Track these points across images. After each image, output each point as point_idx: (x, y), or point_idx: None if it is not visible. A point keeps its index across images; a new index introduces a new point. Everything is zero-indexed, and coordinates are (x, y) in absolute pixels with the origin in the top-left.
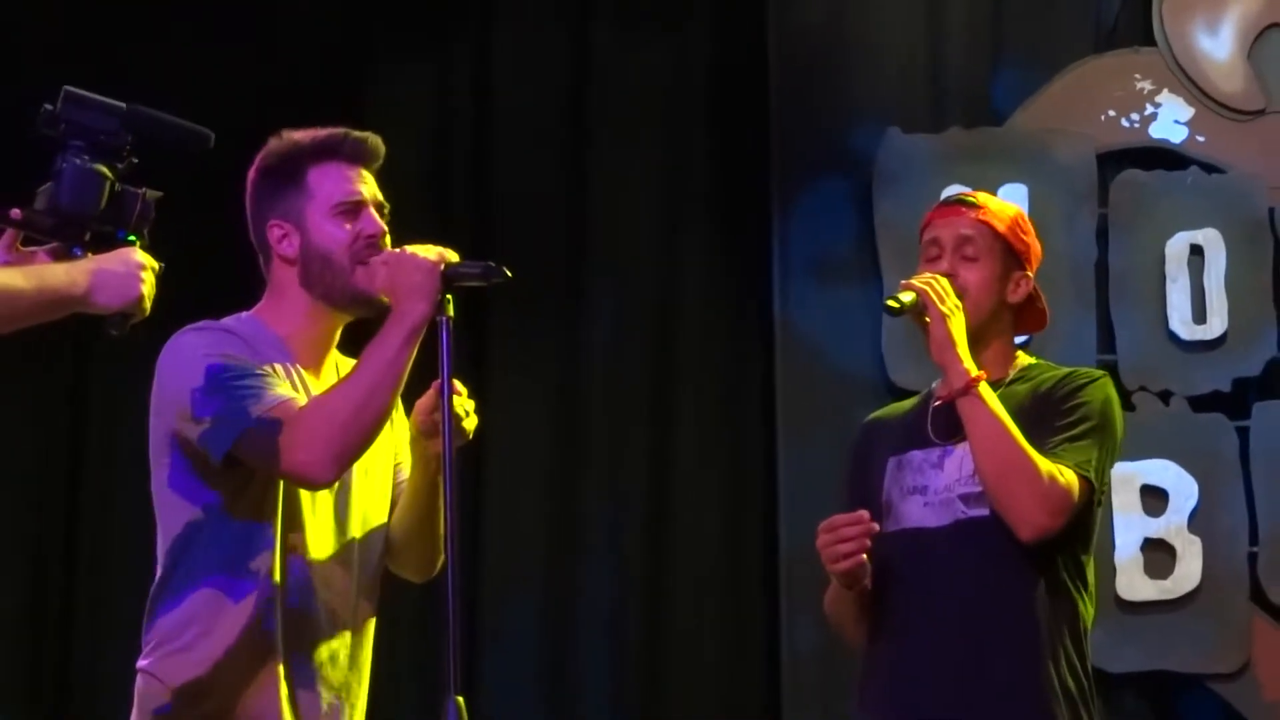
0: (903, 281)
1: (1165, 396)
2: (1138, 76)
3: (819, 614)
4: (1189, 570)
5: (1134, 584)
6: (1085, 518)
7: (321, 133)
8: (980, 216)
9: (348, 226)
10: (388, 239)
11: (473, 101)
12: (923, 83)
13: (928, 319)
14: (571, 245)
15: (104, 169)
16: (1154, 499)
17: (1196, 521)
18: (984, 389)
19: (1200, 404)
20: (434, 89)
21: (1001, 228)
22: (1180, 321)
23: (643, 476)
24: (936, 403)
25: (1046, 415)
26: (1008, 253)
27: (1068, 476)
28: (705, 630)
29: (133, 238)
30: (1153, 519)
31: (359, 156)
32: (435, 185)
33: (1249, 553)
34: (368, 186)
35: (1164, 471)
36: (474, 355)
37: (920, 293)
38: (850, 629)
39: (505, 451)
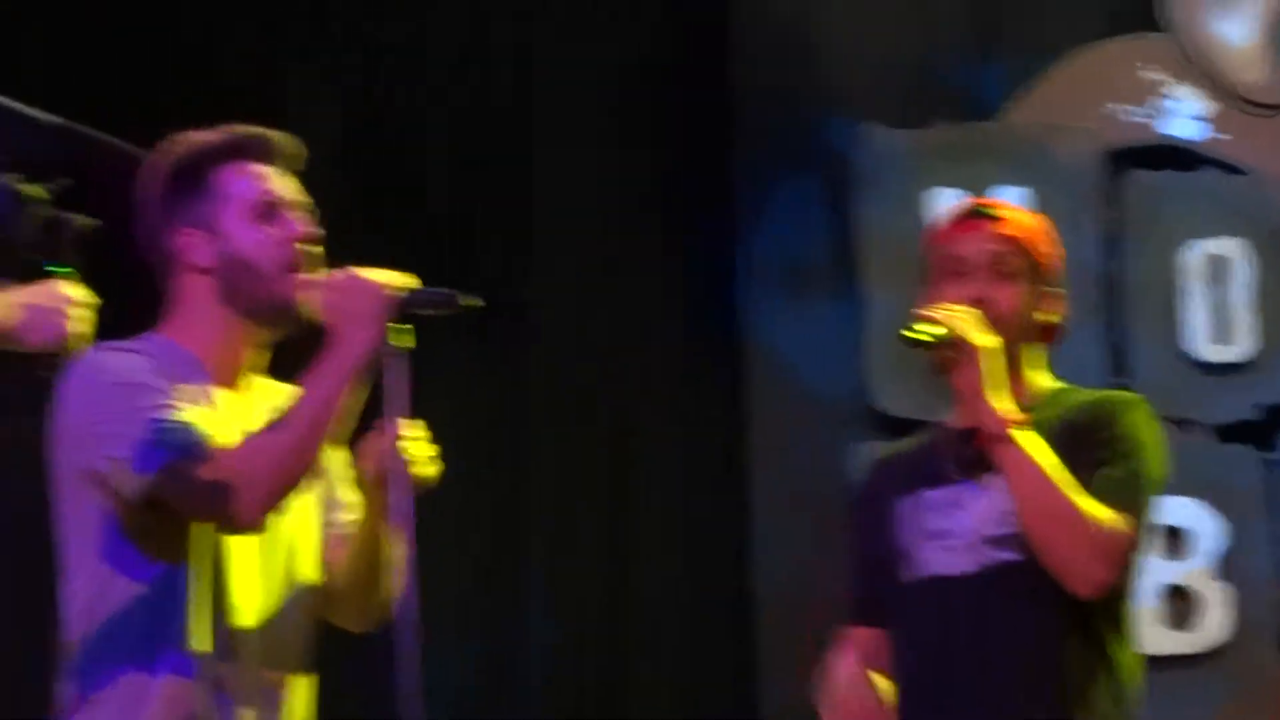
0: (923, 310)
1: (1186, 425)
2: (1146, 64)
3: (800, 667)
4: (1216, 620)
5: (1153, 636)
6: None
7: (225, 132)
8: (1008, 231)
9: (268, 229)
10: (320, 247)
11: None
12: (903, 71)
13: (953, 353)
14: (510, 257)
15: (30, 190)
16: (1175, 540)
17: (1224, 566)
18: (1025, 433)
19: (1226, 434)
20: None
21: (1029, 241)
22: (1201, 340)
23: (595, 513)
24: (962, 443)
25: (1083, 447)
26: (1037, 269)
27: (1117, 521)
28: (667, 689)
29: (63, 269)
30: (1174, 563)
31: (269, 155)
32: (356, 192)
33: None
34: (285, 186)
35: (1185, 510)
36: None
37: (952, 325)
38: None
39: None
